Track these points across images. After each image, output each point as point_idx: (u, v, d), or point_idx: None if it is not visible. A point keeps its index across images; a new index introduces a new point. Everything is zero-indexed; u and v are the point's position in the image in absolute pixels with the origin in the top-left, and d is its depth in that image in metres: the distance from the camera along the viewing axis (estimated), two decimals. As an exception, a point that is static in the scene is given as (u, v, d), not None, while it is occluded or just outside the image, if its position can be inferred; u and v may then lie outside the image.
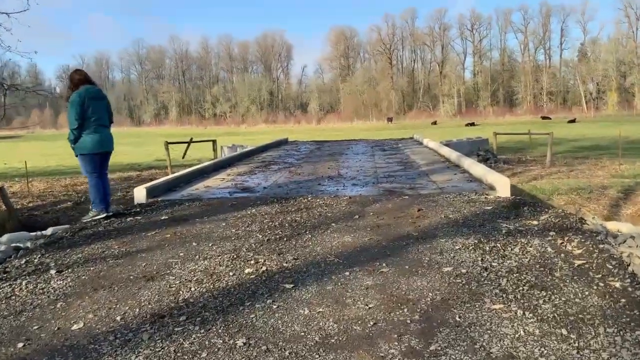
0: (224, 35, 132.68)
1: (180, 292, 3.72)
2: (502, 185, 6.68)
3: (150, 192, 7.19)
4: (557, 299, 3.36)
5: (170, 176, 8.90)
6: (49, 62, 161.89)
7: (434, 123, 65.59)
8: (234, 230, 5.23)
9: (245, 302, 3.48)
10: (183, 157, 20.26)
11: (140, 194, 7.11)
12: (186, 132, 68.79)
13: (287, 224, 5.38)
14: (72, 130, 6.18)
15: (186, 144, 20.23)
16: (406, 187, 7.36)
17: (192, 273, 4.08)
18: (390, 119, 74.65)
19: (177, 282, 3.92)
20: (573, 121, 55.59)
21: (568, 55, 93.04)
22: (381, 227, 5.11)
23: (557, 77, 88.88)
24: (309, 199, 6.68)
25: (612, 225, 5.40)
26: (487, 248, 4.32)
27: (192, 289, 3.76)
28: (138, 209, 6.52)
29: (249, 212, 6.01)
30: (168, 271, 4.16)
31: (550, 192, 14.41)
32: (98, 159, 6.36)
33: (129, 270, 4.24)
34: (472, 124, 58.19)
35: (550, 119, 64.43)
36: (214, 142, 20.80)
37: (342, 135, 40.81)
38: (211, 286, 3.80)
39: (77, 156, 6.36)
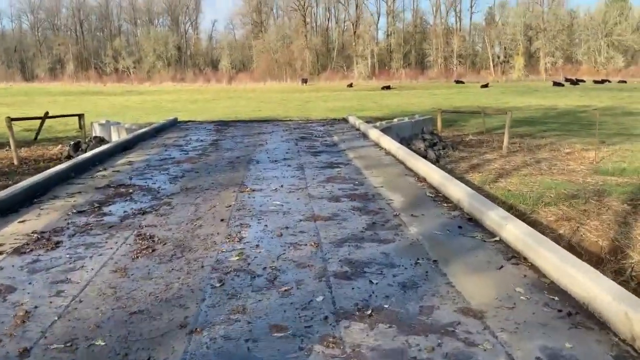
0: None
1: None
2: None
3: None
4: None
5: None
6: None
7: (350, 85, 61.04)
8: None
9: None
10: (35, 139, 14.26)
11: None
12: (82, 89, 60.15)
13: None
14: None
15: (40, 120, 14.16)
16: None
17: None
18: (304, 80, 69.23)
19: None
20: (486, 86, 53.34)
21: (478, 18, 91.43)
22: None
23: (467, 41, 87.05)
24: None
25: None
26: None
27: None
28: None
29: None
30: None
31: (532, 202, 10.23)
32: None
33: None
34: (388, 87, 54.69)
35: (464, 83, 62.17)
36: (80, 117, 14.75)
37: (254, 98, 35.14)
38: None
39: None
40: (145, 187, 6.42)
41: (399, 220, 4.80)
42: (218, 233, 4.56)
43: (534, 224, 9.66)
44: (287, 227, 4.67)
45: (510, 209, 9.95)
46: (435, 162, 13.74)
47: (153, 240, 4.40)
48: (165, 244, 4.32)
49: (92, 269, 3.80)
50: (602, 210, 9.64)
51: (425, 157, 13.61)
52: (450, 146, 15.42)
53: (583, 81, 58.30)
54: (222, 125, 13.93)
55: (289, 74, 79.71)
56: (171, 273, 3.70)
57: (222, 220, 4.95)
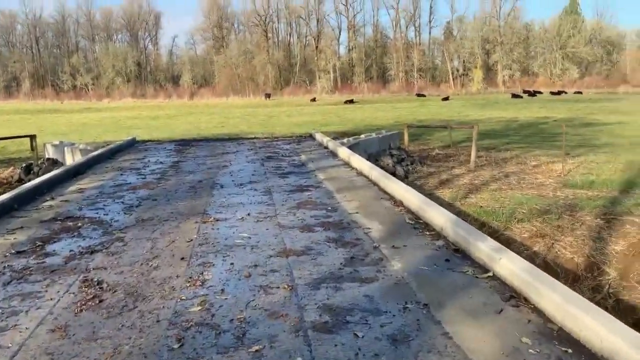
0: (84, 0, 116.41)
1: None
2: None
3: None
4: None
5: None
6: None
7: (313, 100, 60.80)
8: None
9: None
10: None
11: None
12: (38, 107, 58.03)
13: None
14: None
15: (-13, 143, 13.24)
16: None
17: None
18: (268, 95, 68.71)
19: None
20: (447, 99, 53.96)
21: (437, 33, 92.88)
22: None
23: (427, 55, 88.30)
24: None
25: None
26: None
27: None
28: None
29: None
30: None
31: (505, 218, 10.03)
32: None
33: None
34: (351, 101, 54.71)
35: (425, 96, 62.77)
36: (32, 138, 13.87)
37: (217, 113, 34.36)
38: None
39: None
40: (96, 219, 5.78)
41: (379, 254, 4.33)
42: (177, 275, 3.99)
43: (507, 241, 9.37)
44: (256, 265, 4.15)
45: (483, 225, 9.69)
46: (404, 178, 13.44)
47: (101, 287, 3.81)
48: (115, 291, 3.74)
49: (27, 328, 3.19)
50: (575, 226, 9.45)
51: (393, 173, 13.28)
52: (418, 161, 15.16)
53: (540, 93, 59.64)
54: (183, 145, 13.26)
55: (252, 89, 79.07)
56: (120, 331, 3.12)
57: (182, 258, 4.38)
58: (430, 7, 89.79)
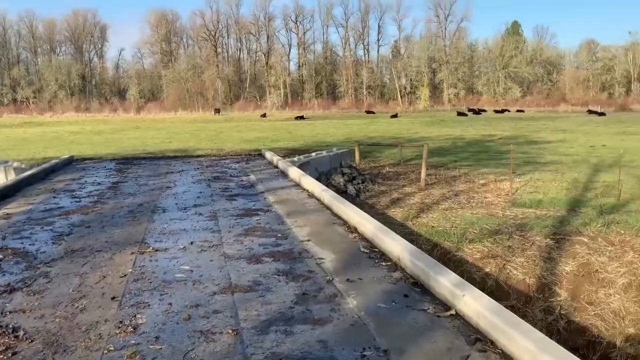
0: (26, 11, 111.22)
1: None
2: None
3: None
4: None
5: None
6: None
7: (264, 115, 60.37)
8: None
9: None
10: None
11: None
12: (-27, 121, 54.96)
13: None
14: None
15: None
16: None
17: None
18: (217, 110, 67.71)
19: None
20: (395, 116, 54.72)
21: (385, 51, 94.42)
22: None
23: (375, 73, 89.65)
24: None
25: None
26: None
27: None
28: None
29: None
30: None
31: (457, 238, 10.01)
32: None
33: None
34: (302, 117, 54.67)
35: (374, 113, 63.46)
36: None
37: (165, 128, 33.37)
38: None
39: None
40: (20, 250, 5.17)
41: (334, 289, 3.97)
42: (106, 320, 3.50)
43: (460, 262, 9.26)
44: (197, 305, 3.70)
45: (435, 246, 9.55)
46: (356, 197, 13.22)
47: (16, 336, 3.28)
48: (32, 340, 3.22)
49: None
50: (526, 246, 9.45)
51: (345, 192, 13.06)
52: (369, 180, 15.01)
53: (485, 111, 61.37)
54: (124, 163, 12.54)
55: (201, 104, 77.87)
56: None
57: (113, 298, 3.88)
58: (379, 26, 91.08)
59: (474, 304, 3.27)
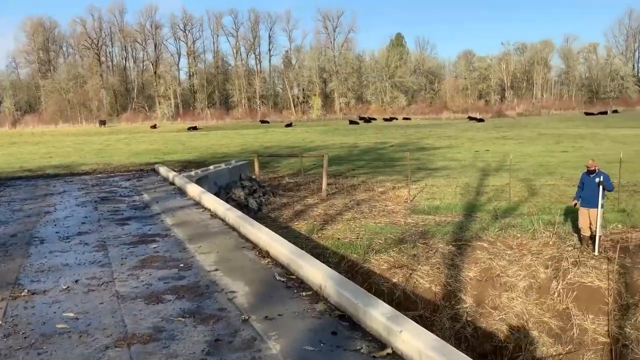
0: None
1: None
2: None
3: None
4: None
5: None
6: None
7: (154, 127, 57.68)
8: None
9: None
10: None
11: None
12: None
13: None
14: None
15: None
16: None
17: None
18: (103, 122, 63.68)
19: None
20: (290, 125, 54.81)
21: (276, 61, 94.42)
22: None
23: (268, 82, 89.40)
24: None
25: None
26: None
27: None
28: None
29: None
30: None
31: (363, 250, 9.89)
32: None
33: None
34: (195, 128, 53.06)
35: (269, 122, 63.19)
36: None
37: (44, 142, 30.52)
38: None
39: None
40: None
41: (251, 331, 3.44)
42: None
43: (368, 274, 9.07)
44: (85, 364, 3.00)
45: (343, 259, 9.29)
46: (258, 210, 12.69)
47: None
48: None
49: None
50: (430, 254, 9.49)
51: (247, 206, 12.47)
52: (270, 192, 14.55)
53: (374, 119, 63.37)
54: (-3, 184, 11.03)
55: (85, 116, 73.10)
56: None
57: (-26, 363, 3.07)
58: (269, 36, 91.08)
59: (414, 342, 2.92)
